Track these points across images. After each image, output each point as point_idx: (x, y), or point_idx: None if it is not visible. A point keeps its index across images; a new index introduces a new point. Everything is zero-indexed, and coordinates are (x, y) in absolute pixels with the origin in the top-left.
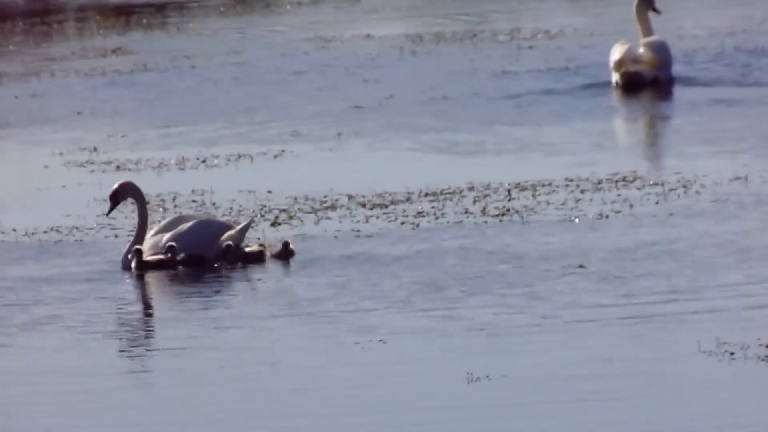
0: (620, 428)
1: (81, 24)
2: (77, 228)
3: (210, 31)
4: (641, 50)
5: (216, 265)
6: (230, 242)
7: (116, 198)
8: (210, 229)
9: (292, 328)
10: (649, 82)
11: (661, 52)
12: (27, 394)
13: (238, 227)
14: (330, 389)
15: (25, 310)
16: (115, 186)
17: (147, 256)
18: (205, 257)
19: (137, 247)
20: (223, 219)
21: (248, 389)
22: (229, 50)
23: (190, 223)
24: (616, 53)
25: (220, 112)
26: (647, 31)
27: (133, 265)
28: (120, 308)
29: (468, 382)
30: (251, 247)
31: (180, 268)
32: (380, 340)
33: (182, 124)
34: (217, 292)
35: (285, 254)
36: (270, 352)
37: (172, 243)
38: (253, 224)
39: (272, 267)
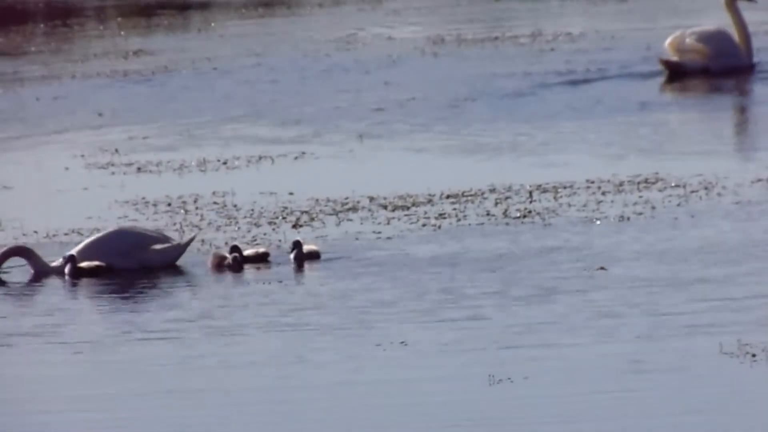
0: (642, 429)
1: (102, 26)
2: (98, 230)
3: (231, 32)
4: (688, 40)
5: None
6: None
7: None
8: (126, 238)
9: (313, 330)
10: (693, 72)
11: (713, 42)
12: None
13: (182, 241)
14: (351, 391)
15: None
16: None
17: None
18: (115, 265)
19: (71, 253)
20: (248, 223)
21: (268, 391)
22: (251, 52)
23: (104, 233)
24: (666, 41)
25: (241, 114)
26: (739, 22)
27: (67, 271)
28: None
29: (490, 384)
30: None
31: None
32: (401, 342)
33: (203, 125)
34: (245, 293)
35: (303, 257)
36: (290, 354)
37: (72, 253)
38: (193, 241)
39: (293, 269)
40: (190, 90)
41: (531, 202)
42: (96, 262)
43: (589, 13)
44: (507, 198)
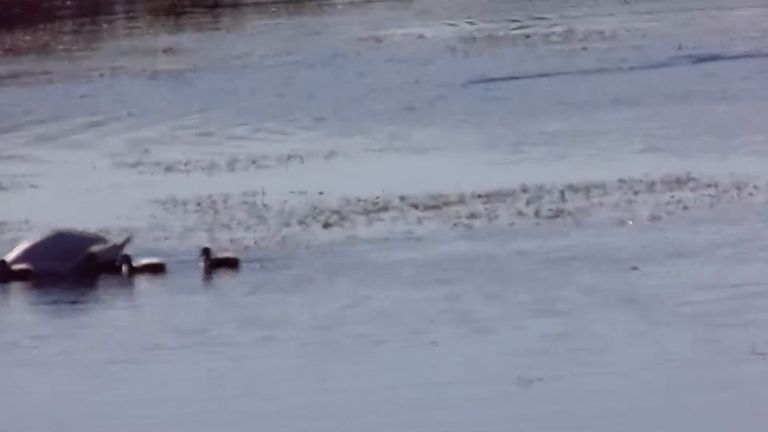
0: (673, 428)
1: (131, 24)
2: (126, 230)
3: (261, 31)
4: None
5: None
6: (94, 251)
7: None
8: (65, 241)
9: (345, 328)
10: None
11: None
12: None
13: (113, 243)
14: (382, 388)
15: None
16: None
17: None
18: (61, 269)
19: (2, 258)
20: (278, 223)
21: (298, 388)
22: (281, 50)
23: (41, 237)
24: None
25: (270, 113)
26: None
27: None
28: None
29: (520, 384)
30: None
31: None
32: (432, 342)
33: (233, 124)
34: (272, 293)
35: (213, 264)
36: (322, 351)
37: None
38: (129, 242)
39: (309, 270)
40: (219, 89)
41: (563, 201)
42: (24, 266)
43: (621, 12)
44: (539, 198)
